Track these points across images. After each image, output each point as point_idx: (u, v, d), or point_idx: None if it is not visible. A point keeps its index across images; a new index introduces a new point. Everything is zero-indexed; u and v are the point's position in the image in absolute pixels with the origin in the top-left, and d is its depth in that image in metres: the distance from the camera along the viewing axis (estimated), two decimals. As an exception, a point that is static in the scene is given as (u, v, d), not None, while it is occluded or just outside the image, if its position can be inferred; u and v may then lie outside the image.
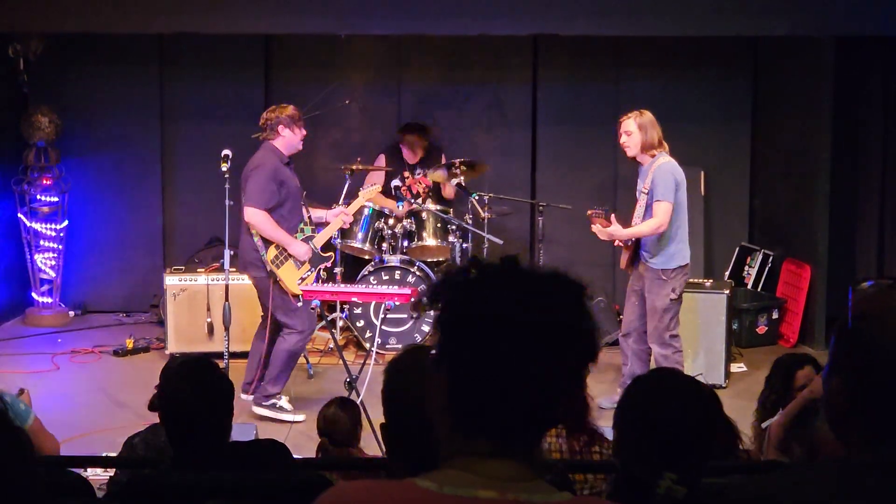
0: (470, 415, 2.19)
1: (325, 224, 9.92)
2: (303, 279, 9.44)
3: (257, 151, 9.45)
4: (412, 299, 9.32)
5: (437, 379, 2.23)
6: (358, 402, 8.60)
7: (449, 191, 12.09)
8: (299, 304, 9.39)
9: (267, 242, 9.31)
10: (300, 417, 9.42)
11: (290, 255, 9.40)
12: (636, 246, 9.50)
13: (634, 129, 9.32)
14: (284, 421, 9.35)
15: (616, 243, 9.66)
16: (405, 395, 3.07)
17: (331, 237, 10.19)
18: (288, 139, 9.40)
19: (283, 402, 9.55)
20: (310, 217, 9.68)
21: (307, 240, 9.54)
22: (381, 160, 12.30)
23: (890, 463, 2.26)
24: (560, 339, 2.15)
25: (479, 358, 2.14)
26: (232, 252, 9.63)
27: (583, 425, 2.17)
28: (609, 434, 3.94)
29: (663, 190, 9.24)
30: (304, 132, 9.55)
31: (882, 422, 2.31)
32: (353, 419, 6.66)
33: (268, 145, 9.41)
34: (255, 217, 9.21)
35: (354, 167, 11.36)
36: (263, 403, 9.46)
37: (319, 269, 9.71)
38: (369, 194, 10.53)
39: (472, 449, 2.18)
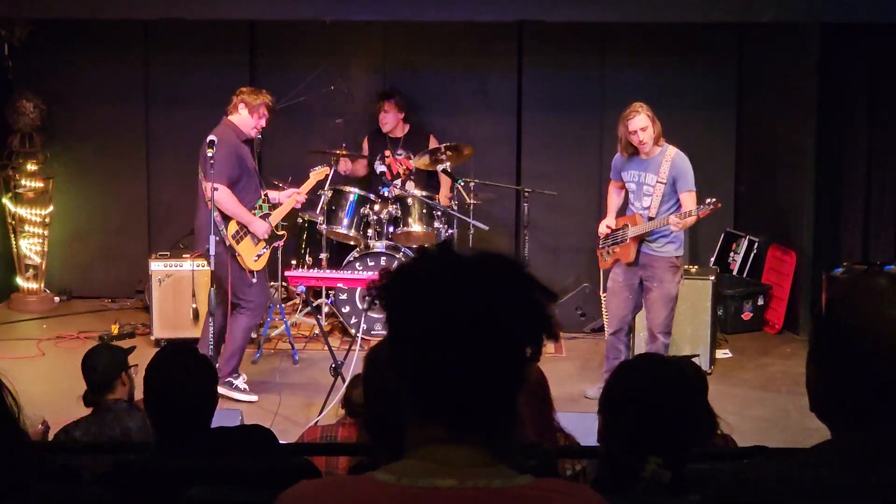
0: (423, 400, 2.19)
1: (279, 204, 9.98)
2: (259, 255, 9.53)
3: (217, 127, 9.53)
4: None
5: (393, 369, 2.24)
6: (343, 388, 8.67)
7: (444, 197, 12.10)
8: (254, 279, 9.49)
9: (226, 218, 9.40)
10: (253, 398, 9.55)
11: (249, 232, 9.48)
12: (640, 238, 9.43)
13: (648, 123, 9.22)
14: (238, 400, 9.42)
15: (626, 238, 9.51)
16: (384, 383, 3.07)
17: (284, 217, 10.11)
18: (244, 119, 9.49)
19: (240, 381, 9.61)
20: (266, 195, 9.75)
21: (264, 217, 9.63)
22: (364, 144, 12.36)
23: (872, 445, 2.28)
24: (500, 322, 2.14)
25: (423, 348, 2.15)
26: (216, 238, 9.62)
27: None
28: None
29: (691, 180, 9.28)
30: (263, 124, 9.60)
31: (860, 405, 2.33)
32: None
33: (226, 121, 9.53)
34: (218, 193, 9.26)
35: (340, 152, 11.40)
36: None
37: (275, 247, 9.80)
38: (319, 175, 10.49)
39: (430, 435, 2.18)
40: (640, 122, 9.22)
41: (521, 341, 2.18)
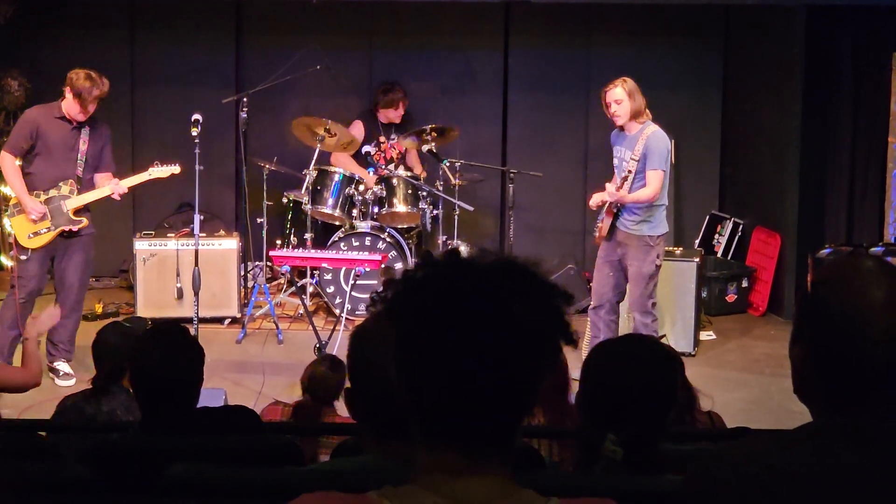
0: (436, 418, 2.04)
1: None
2: (37, 234, 9.58)
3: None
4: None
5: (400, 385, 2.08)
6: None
7: (414, 161, 12.16)
8: (24, 257, 9.59)
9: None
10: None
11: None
12: (616, 214, 9.42)
13: (624, 97, 9.22)
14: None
15: (603, 213, 9.51)
16: (370, 361, 3.05)
17: (90, 202, 9.95)
18: (68, 102, 9.50)
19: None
20: (79, 177, 9.69)
21: (57, 199, 9.60)
22: (359, 126, 12.26)
23: (854, 428, 2.28)
24: (516, 332, 2.00)
25: (432, 361, 2.01)
26: (202, 217, 9.59)
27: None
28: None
29: (659, 159, 9.20)
30: (80, 108, 9.47)
31: (845, 387, 2.33)
32: (340, 380, 6.73)
33: (60, 101, 9.58)
34: (1, 160, 9.59)
35: (327, 128, 11.36)
36: None
37: (64, 230, 9.71)
38: (161, 173, 10.27)
39: (441, 466, 2.04)
40: (616, 95, 9.24)
41: (541, 349, 2.03)
